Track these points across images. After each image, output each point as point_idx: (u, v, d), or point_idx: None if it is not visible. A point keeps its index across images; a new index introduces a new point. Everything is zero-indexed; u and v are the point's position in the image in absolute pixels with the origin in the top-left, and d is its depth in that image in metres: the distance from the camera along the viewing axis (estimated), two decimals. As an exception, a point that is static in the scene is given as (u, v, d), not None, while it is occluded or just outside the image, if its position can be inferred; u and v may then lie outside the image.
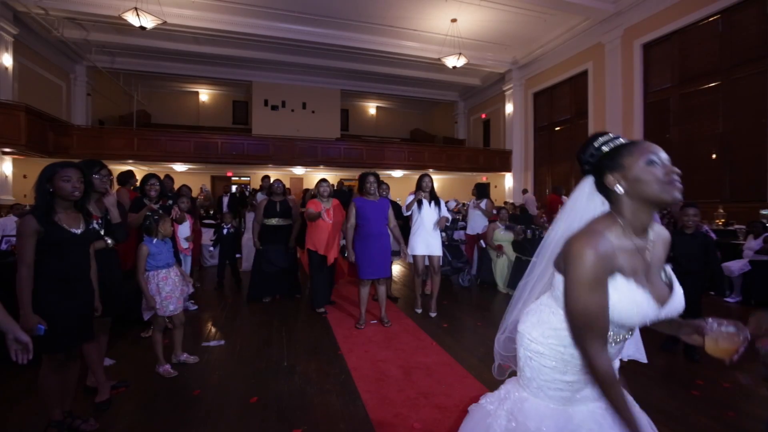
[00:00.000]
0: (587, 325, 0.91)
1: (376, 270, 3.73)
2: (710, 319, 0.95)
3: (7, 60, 8.39)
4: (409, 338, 3.51)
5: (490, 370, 2.82)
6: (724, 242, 5.75)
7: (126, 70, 12.31)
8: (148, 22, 7.78)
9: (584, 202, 1.07)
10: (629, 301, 0.93)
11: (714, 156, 7.54)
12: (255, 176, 14.00)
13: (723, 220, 6.58)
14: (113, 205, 2.57)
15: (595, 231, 0.93)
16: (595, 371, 0.91)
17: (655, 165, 0.92)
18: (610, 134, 1.05)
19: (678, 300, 1.00)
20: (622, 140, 1.02)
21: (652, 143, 0.96)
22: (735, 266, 4.96)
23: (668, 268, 1.05)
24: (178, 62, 12.49)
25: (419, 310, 4.23)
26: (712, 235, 5.70)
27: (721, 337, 0.92)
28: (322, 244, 4.19)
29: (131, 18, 7.62)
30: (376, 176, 3.83)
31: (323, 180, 4.48)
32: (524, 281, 1.32)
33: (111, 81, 12.35)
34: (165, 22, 8.15)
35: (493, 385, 2.46)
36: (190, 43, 10.69)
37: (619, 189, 0.96)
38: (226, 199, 8.57)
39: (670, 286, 1.01)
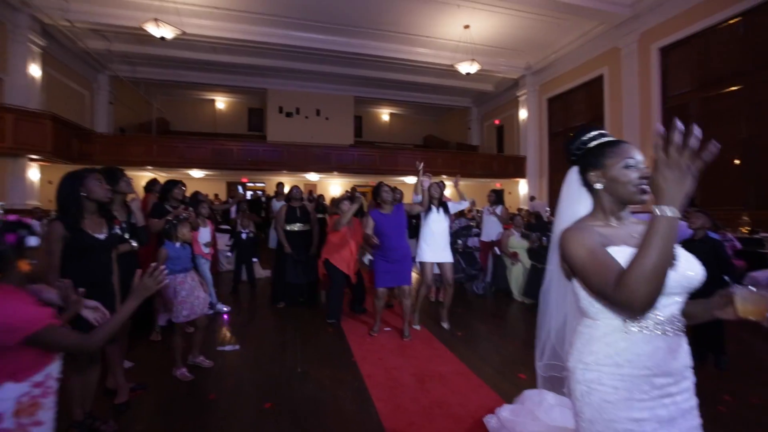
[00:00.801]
0: (605, 280, 0.89)
1: (393, 278, 3.66)
2: (736, 285, 0.96)
3: (36, 71, 8.73)
4: (423, 346, 3.49)
5: (506, 379, 2.80)
6: (749, 251, 5.56)
7: (146, 79, 12.67)
8: (168, 32, 8.00)
9: (575, 203, 1.16)
10: (628, 258, 0.92)
11: (737, 161, 7.32)
12: (269, 182, 14.19)
13: (748, 228, 6.37)
14: (138, 208, 2.67)
15: (579, 223, 1.07)
16: (636, 293, 0.80)
17: (631, 168, 1.02)
18: (599, 130, 1.14)
19: (689, 262, 1.00)
20: (608, 138, 1.12)
21: (632, 145, 1.06)
22: (762, 276, 4.78)
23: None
24: (196, 71, 12.80)
25: (417, 326, 3.93)
26: (737, 243, 5.53)
27: (748, 296, 0.93)
28: (344, 262, 4.14)
29: (152, 29, 7.86)
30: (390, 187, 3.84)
31: (346, 199, 4.48)
32: (543, 294, 1.33)
33: (132, 90, 12.72)
34: (184, 33, 8.37)
35: (509, 395, 2.42)
36: (208, 52, 10.95)
37: (598, 185, 1.07)
38: (234, 206, 8.66)
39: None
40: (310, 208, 4.82)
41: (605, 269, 0.90)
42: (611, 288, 0.86)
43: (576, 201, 1.16)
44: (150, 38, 8.46)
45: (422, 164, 4.04)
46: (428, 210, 3.98)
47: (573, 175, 1.18)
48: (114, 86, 12.35)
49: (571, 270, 1.02)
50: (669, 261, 0.79)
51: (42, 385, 1.18)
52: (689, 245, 3.06)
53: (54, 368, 1.23)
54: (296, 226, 4.61)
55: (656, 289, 0.80)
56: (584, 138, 1.14)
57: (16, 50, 8.32)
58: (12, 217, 1.23)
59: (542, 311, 1.37)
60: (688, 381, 1.02)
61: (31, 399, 1.15)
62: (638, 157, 1.03)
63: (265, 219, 9.11)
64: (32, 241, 1.22)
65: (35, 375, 1.16)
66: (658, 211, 0.80)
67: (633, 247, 0.95)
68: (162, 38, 8.05)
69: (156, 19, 7.77)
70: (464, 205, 4.29)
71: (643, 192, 1.01)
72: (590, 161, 1.09)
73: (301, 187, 4.94)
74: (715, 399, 2.56)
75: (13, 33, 8.26)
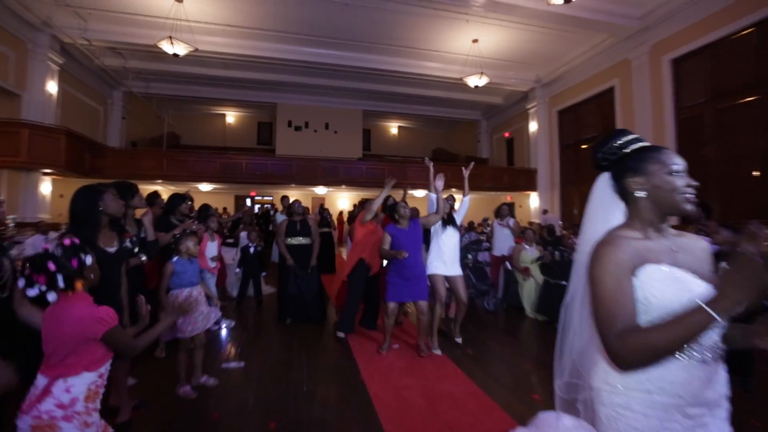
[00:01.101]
0: (612, 322, 0.87)
1: (407, 293, 3.56)
2: None
3: (53, 87, 9.03)
4: (433, 365, 3.40)
5: (519, 401, 2.70)
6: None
7: (159, 94, 13.01)
8: (181, 49, 8.23)
9: (606, 212, 1.09)
10: (669, 279, 0.89)
11: (755, 173, 7.16)
12: (278, 196, 14.33)
13: (770, 242, 6.17)
14: (151, 223, 2.69)
15: (615, 234, 0.99)
16: (629, 353, 0.81)
17: (676, 175, 0.97)
18: (632, 134, 1.08)
19: None
20: (643, 142, 1.06)
21: (673, 151, 1.02)
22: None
23: (722, 265, 0.97)
24: (207, 86, 13.12)
25: (438, 351, 3.64)
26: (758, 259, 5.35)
27: None
28: (374, 259, 4.12)
29: (166, 46, 8.09)
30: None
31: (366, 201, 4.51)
32: (565, 308, 1.25)
33: (144, 105, 13.07)
34: (197, 50, 8.60)
35: (523, 417, 2.33)
36: (220, 68, 11.22)
37: (641, 193, 1.00)
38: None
39: None
40: (311, 222, 4.84)
41: (617, 312, 0.87)
42: (611, 333, 0.85)
43: (608, 210, 1.09)
44: (164, 55, 8.71)
45: (432, 163, 4.09)
46: (446, 223, 3.91)
47: (603, 182, 1.10)
48: (127, 102, 12.69)
49: (589, 286, 0.98)
50: (678, 350, 0.79)
51: (103, 376, 1.46)
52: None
53: (109, 364, 1.49)
54: (296, 240, 4.62)
55: (649, 363, 0.80)
56: (619, 142, 1.07)
57: (35, 68, 8.63)
58: (67, 242, 1.44)
59: (563, 326, 1.28)
60: (723, 410, 0.96)
61: (96, 387, 1.43)
62: (682, 163, 0.98)
63: (270, 232, 9.16)
64: (89, 259, 1.47)
65: (101, 367, 1.44)
66: (704, 305, 0.75)
67: (673, 266, 0.92)
68: (175, 55, 8.29)
69: (170, 37, 8.01)
70: (465, 204, 4.20)
71: (688, 201, 0.96)
72: (630, 167, 1.02)
73: (309, 201, 4.97)
74: (744, 424, 2.43)
75: (33, 52, 8.58)
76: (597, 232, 1.05)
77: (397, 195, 4.42)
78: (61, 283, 1.35)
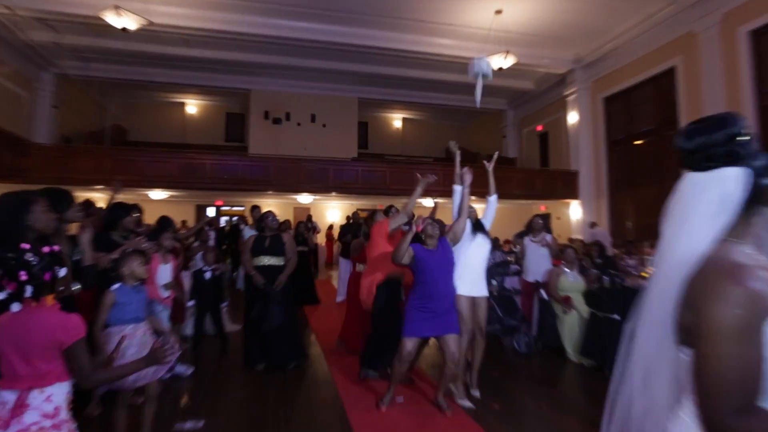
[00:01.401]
0: (732, 395, 0.82)
1: (431, 325, 3.46)
2: None
3: (-35, 68, 9.13)
4: (448, 424, 3.36)
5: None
6: None
7: (101, 77, 13.16)
8: (131, 22, 8.36)
9: (715, 223, 0.97)
10: None
11: None
12: (250, 205, 14.34)
13: None
14: (89, 242, 2.66)
15: (737, 262, 0.90)
16: None
17: None
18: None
19: None
20: None
21: None
22: None
23: None
24: (163, 68, 13.29)
25: (466, 402, 3.65)
26: None
27: None
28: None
29: (111, 18, 8.21)
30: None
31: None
32: (625, 348, 1.19)
33: (82, 91, 13.18)
34: (151, 23, 8.73)
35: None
36: (179, 45, 11.37)
37: None
38: (212, 234, 8.76)
39: None
40: (286, 238, 4.86)
41: (741, 384, 0.83)
42: (726, 409, 0.81)
43: (720, 221, 0.99)
44: (108, 29, 8.83)
45: (458, 145, 4.22)
46: (475, 229, 3.95)
47: (733, 179, 0.99)
48: (60, 86, 12.78)
49: (691, 331, 0.92)
50: None
51: (72, 385, 1.69)
52: None
53: None
54: (264, 260, 4.63)
55: None
56: (747, 129, 1.04)
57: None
58: (46, 249, 1.68)
59: (620, 376, 1.16)
60: None
61: (71, 395, 1.68)
62: None
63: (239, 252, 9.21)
64: (62, 272, 1.70)
65: (70, 378, 1.67)
66: None
67: None
68: (124, 29, 8.39)
69: (116, 7, 8.13)
70: (493, 205, 4.22)
71: None
72: None
73: (290, 212, 4.98)
74: None
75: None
76: (697, 250, 0.98)
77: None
78: (28, 294, 1.59)
